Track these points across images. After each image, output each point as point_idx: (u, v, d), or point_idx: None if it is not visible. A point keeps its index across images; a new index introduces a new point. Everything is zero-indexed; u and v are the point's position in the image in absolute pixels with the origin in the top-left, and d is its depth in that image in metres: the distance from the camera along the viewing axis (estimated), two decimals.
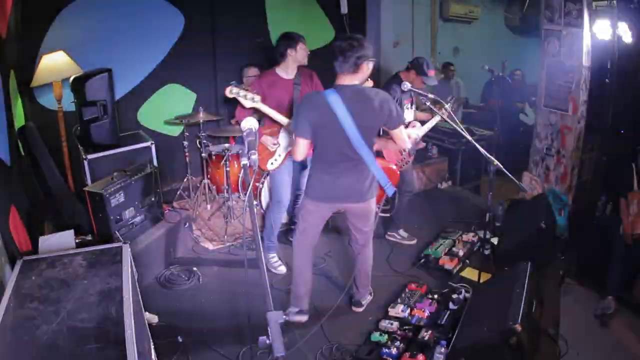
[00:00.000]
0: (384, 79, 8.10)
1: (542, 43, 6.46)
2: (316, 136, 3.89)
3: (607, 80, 6.07)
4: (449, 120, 4.71)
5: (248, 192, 2.32)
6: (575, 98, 6.15)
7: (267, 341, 1.93)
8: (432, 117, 5.48)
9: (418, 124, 5.46)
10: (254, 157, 2.48)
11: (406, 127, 5.39)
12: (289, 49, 4.77)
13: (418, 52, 8.98)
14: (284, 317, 1.97)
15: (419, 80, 5.34)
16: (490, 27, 10.44)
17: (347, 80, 3.83)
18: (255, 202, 5.93)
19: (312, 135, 3.87)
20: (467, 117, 9.21)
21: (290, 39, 4.80)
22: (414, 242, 6.04)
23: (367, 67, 3.85)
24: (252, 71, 6.60)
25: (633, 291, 4.79)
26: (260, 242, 2.22)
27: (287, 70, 4.89)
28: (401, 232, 6.11)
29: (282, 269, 5.32)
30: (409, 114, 5.61)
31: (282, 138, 4.88)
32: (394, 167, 5.53)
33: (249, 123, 2.88)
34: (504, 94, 8.45)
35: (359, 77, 3.85)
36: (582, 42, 5.96)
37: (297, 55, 4.81)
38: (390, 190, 4.21)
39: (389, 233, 6.14)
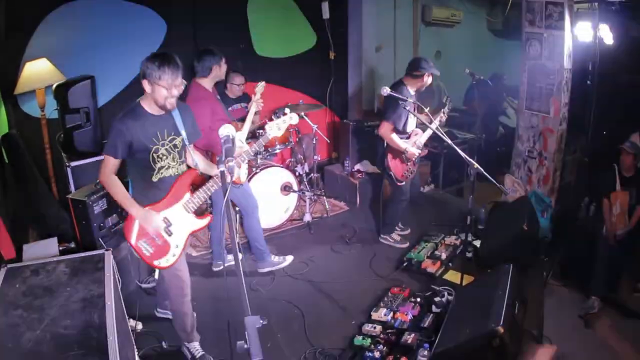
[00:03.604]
0: (367, 84, 8.18)
1: (524, 46, 6.53)
2: None
3: (588, 82, 6.16)
4: (429, 125, 4.74)
5: (225, 200, 2.33)
6: (557, 100, 6.23)
7: (245, 346, 1.95)
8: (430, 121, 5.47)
9: (420, 132, 5.59)
10: (231, 164, 2.48)
11: (408, 137, 5.56)
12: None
13: (400, 56, 9.02)
14: (262, 321, 1.98)
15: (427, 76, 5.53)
16: (472, 30, 10.48)
17: None
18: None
19: None
20: (450, 121, 9.25)
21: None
22: (405, 245, 6.07)
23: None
24: (238, 79, 6.44)
25: (617, 291, 4.86)
26: (238, 248, 2.23)
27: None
28: (394, 235, 6.14)
29: (289, 258, 5.53)
30: (412, 121, 5.67)
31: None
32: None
33: (227, 130, 2.88)
34: (485, 98, 8.49)
35: None
36: (563, 45, 6.05)
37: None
38: None
39: (382, 236, 6.18)
